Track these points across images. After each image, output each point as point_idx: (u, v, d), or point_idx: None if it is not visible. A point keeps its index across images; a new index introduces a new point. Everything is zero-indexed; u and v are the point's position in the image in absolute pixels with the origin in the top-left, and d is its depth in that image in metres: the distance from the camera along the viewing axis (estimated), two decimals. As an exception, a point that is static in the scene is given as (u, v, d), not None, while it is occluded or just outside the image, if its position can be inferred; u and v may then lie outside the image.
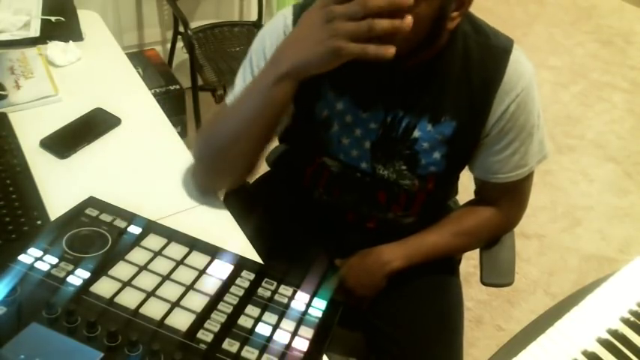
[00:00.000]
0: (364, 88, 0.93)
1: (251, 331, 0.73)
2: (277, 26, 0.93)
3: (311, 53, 0.76)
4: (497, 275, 1.09)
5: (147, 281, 0.77)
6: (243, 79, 0.95)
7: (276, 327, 0.75)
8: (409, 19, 0.69)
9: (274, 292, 0.80)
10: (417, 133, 0.94)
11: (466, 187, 1.09)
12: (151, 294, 0.75)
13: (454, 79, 0.90)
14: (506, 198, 1.04)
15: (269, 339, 0.73)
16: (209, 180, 0.97)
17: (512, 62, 0.89)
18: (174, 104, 2.16)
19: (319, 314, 0.78)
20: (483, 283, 1.08)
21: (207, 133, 0.94)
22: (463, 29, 0.89)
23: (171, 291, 0.77)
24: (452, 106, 0.92)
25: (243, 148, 0.89)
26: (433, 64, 0.89)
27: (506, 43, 0.91)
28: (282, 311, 0.77)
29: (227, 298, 0.77)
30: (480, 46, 0.89)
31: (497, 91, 0.89)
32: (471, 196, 1.10)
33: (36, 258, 0.78)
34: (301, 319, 0.77)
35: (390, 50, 0.69)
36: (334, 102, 0.95)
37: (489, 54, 0.89)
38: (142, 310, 0.73)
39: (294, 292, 0.81)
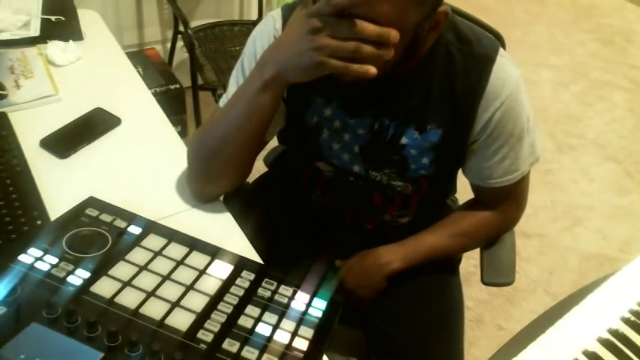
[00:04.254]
0: (351, 95, 0.93)
1: (251, 331, 0.73)
2: (267, 29, 0.94)
3: (293, 62, 0.77)
4: (497, 275, 1.09)
5: (147, 281, 0.77)
6: (236, 83, 0.95)
7: (276, 327, 0.75)
8: (392, 51, 0.72)
9: (274, 292, 0.80)
10: (404, 140, 0.94)
11: (466, 186, 1.09)
12: (151, 294, 0.76)
13: (437, 88, 0.90)
14: (503, 200, 1.04)
15: (269, 339, 0.73)
16: (201, 185, 0.97)
17: (496, 70, 0.88)
18: (174, 104, 2.16)
19: (319, 314, 0.78)
20: (484, 282, 1.08)
21: (197, 139, 0.94)
22: (446, 38, 0.88)
23: (171, 291, 0.77)
24: (436, 115, 0.91)
25: (232, 153, 0.90)
26: (415, 73, 0.89)
27: (490, 51, 0.89)
28: (283, 311, 0.77)
29: (227, 298, 0.77)
30: (463, 55, 0.88)
31: (480, 99, 0.89)
32: (471, 194, 1.10)
33: (36, 258, 0.78)
34: (301, 319, 0.77)
35: (372, 70, 0.72)
36: (323, 108, 0.96)
37: (472, 62, 0.88)
38: (142, 310, 0.73)
39: (294, 292, 0.81)
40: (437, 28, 0.80)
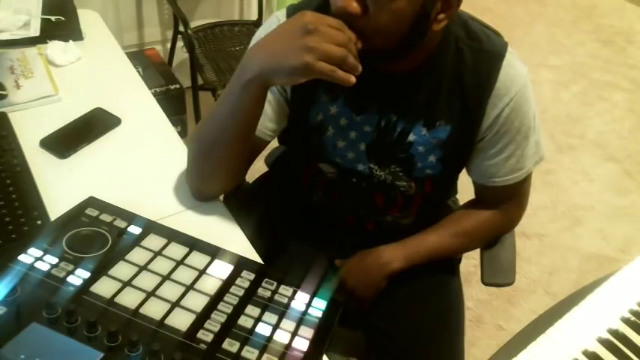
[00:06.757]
0: (357, 91, 0.93)
1: (251, 331, 0.73)
2: (270, 30, 0.93)
3: (280, 63, 0.76)
4: (497, 275, 1.09)
5: (147, 281, 0.77)
6: None
7: (276, 327, 0.75)
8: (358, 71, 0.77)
9: (274, 292, 0.80)
10: (412, 137, 0.94)
11: (466, 186, 1.09)
12: (151, 294, 0.76)
13: (446, 84, 0.90)
14: (505, 200, 1.04)
15: (269, 339, 0.73)
16: (197, 184, 0.97)
17: (505, 67, 0.89)
18: (174, 104, 2.15)
19: (319, 314, 0.78)
20: (484, 283, 1.08)
21: (192, 138, 0.95)
22: (456, 33, 0.88)
23: (171, 291, 0.77)
24: (446, 111, 0.91)
25: (222, 153, 0.90)
26: (424, 68, 0.89)
27: (499, 48, 0.90)
28: (282, 311, 0.77)
29: (227, 298, 0.77)
30: (473, 51, 0.89)
31: (490, 96, 0.89)
32: (471, 195, 1.10)
33: (36, 258, 0.78)
34: (301, 319, 0.77)
35: (352, 80, 0.76)
36: (328, 106, 0.96)
37: (482, 59, 0.89)
38: (142, 310, 0.73)
39: (294, 292, 0.81)
40: (448, 10, 0.79)
